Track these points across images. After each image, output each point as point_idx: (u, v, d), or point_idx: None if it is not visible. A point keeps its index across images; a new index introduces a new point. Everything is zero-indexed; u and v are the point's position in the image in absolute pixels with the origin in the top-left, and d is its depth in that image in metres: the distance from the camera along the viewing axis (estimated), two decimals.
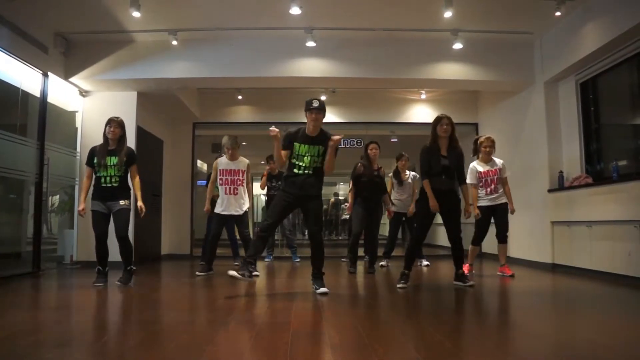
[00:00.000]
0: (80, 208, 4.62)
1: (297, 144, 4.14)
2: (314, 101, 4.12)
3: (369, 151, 5.79)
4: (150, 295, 4.23)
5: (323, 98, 8.47)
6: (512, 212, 5.37)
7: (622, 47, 5.24)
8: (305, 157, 4.13)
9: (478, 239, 5.39)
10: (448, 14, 5.39)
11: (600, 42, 5.24)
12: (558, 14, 5.45)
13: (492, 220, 5.43)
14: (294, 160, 4.17)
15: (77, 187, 6.65)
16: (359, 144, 8.97)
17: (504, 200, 5.34)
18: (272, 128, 4.02)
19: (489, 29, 6.27)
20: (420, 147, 4.60)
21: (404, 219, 6.53)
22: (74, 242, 6.54)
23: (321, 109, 4.13)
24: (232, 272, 4.01)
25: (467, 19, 5.94)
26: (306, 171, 4.13)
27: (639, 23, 4.65)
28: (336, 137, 4.08)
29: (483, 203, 5.31)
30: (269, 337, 2.63)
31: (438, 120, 4.51)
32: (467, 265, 5.41)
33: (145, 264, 6.63)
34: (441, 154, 4.48)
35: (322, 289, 4.07)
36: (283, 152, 4.14)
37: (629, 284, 4.67)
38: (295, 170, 4.14)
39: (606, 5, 5.16)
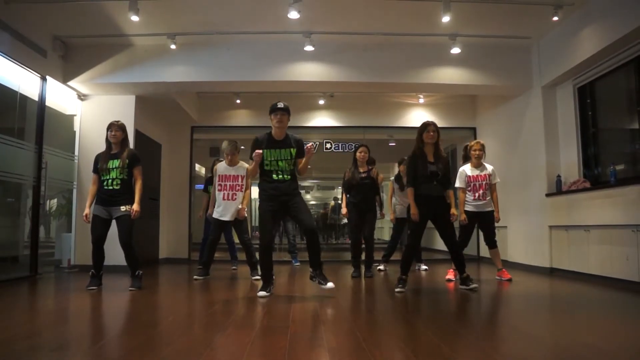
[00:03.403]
0: (85, 213, 4.65)
1: (265, 151, 4.15)
2: (278, 103, 4.18)
3: (357, 154, 5.88)
4: (147, 299, 4.21)
5: (321, 102, 8.53)
6: (498, 220, 5.35)
7: (619, 51, 5.27)
8: (279, 162, 4.17)
9: (462, 244, 5.34)
10: (446, 19, 5.40)
11: (598, 46, 5.27)
12: (555, 18, 5.49)
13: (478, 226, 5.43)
14: (267, 168, 4.18)
15: (75, 191, 6.64)
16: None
17: (490, 208, 5.30)
18: (258, 152, 4.05)
19: (487, 34, 6.30)
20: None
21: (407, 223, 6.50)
22: (71, 245, 6.53)
23: (285, 110, 4.16)
24: (261, 293, 4.16)
25: (465, 23, 5.96)
26: (285, 176, 4.17)
27: (636, 28, 4.68)
28: (310, 146, 4.18)
29: (468, 208, 5.28)
30: (266, 341, 2.62)
31: (424, 127, 4.53)
32: (451, 270, 5.41)
33: (143, 268, 6.61)
34: (429, 160, 4.49)
35: (329, 284, 4.18)
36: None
37: (626, 288, 4.67)
38: (274, 176, 4.17)
39: (603, 10, 5.19)
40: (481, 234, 5.65)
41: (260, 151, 4.07)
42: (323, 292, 4.28)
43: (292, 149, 4.20)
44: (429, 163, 4.48)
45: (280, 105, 4.15)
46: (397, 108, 8.77)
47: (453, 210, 4.62)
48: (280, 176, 4.17)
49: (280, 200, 4.16)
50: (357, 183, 5.79)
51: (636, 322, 3.29)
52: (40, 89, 5.83)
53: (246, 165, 5.53)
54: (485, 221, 5.31)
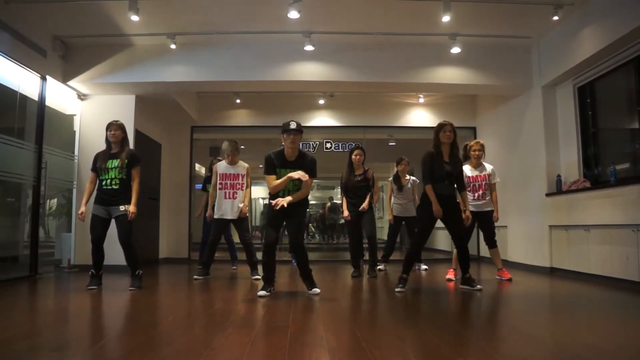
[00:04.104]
0: (80, 211, 4.64)
1: (277, 170, 4.19)
2: (291, 123, 4.15)
3: (352, 157, 5.86)
4: (147, 299, 4.21)
5: (321, 102, 8.52)
6: (496, 220, 5.36)
7: (619, 51, 5.26)
8: (287, 183, 4.17)
9: None
10: (446, 18, 5.40)
11: (598, 46, 5.27)
12: (555, 18, 5.48)
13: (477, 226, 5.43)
14: None
15: (74, 191, 6.65)
16: None
17: (489, 208, 5.31)
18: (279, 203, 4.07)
19: (487, 33, 6.30)
20: (419, 152, 4.61)
21: (403, 223, 6.51)
22: (71, 245, 6.53)
23: (298, 131, 4.15)
24: (261, 292, 4.20)
25: (465, 23, 5.96)
26: (289, 193, 4.20)
27: (636, 28, 4.68)
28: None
29: (469, 208, 5.29)
30: (266, 341, 2.62)
31: (441, 127, 4.52)
32: (451, 269, 5.41)
33: (143, 268, 6.64)
34: (444, 160, 4.50)
35: (315, 290, 4.29)
36: (271, 178, 4.18)
37: (627, 287, 4.67)
38: (280, 194, 4.21)
39: (603, 10, 5.18)
40: (481, 233, 5.65)
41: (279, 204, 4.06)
42: (323, 292, 4.30)
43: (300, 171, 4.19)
44: (445, 163, 4.48)
45: (293, 126, 4.13)
46: (397, 108, 8.76)
47: (468, 214, 4.62)
48: (286, 194, 4.20)
49: (284, 208, 4.18)
50: (353, 185, 5.80)
51: (636, 322, 3.29)
52: (40, 88, 5.82)
53: (246, 164, 5.56)
54: (484, 221, 5.32)
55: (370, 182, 5.87)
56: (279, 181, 4.12)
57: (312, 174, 4.22)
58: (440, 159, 4.49)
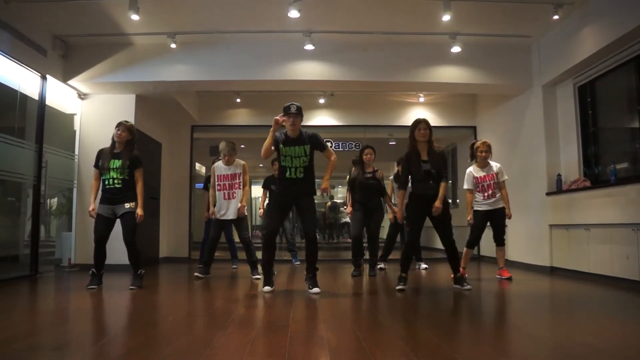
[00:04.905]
0: (91, 208, 4.65)
1: (282, 147, 4.32)
2: (291, 106, 4.31)
3: (363, 156, 5.88)
4: (148, 298, 4.22)
5: (322, 101, 8.52)
6: (509, 217, 5.36)
7: (619, 50, 5.26)
8: (294, 160, 4.30)
9: (473, 242, 5.36)
10: (446, 18, 5.40)
11: (598, 45, 5.26)
12: (556, 17, 5.48)
13: (488, 224, 5.44)
14: (283, 164, 4.36)
15: (75, 190, 6.64)
16: (357, 147, 8.97)
17: (502, 204, 5.31)
18: (278, 118, 4.21)
19: (487, 33, 6.29)
20: None
21: (403, 222, 6.51)
22: (72, 245, 6.52)
23: (298, 114, 4.31)
24: (267, 288, 4.32)
25: (465, 22, 5.96)
26: (297, 174, 4.31)
27: (636, 27, 4.67)
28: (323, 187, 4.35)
29: (482, 207, 5.29)
30: (267, 340, 2.62)
31: (415, 125, 4.50)
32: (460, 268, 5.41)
33: (144, 267, 6.64)
34: (422, 159, 4.46)
35: (315, 289, 4.29)
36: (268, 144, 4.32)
37: (627, 287, 4.67)
38: (287, 175, 4.34)
39: (603, 9, 5.18)
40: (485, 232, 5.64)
41: (281, 118, 4.23)
42: (323, 291, 4.30)
43: (305, 146, 4.32)
44: (422, 162, 4.44)
45: (293, 109, 4.28)
46: (397, 107, 8.76)
47: (438, 205, 4.37)
48: (293, 175, 4.31)
49: (292, 196, 4.36)
50: (360, 183, 5.80)
51: (636, 322, 3.29)
52: (41, 88, 5.82)
53: (242, 162, 5.55)
54: (497, 218, 5.31)
55: (382, 183, 5.90)
56: (266, 141, 4.26)
57: (322, 147, 4.40)
58: (417, 159, 4.46)
